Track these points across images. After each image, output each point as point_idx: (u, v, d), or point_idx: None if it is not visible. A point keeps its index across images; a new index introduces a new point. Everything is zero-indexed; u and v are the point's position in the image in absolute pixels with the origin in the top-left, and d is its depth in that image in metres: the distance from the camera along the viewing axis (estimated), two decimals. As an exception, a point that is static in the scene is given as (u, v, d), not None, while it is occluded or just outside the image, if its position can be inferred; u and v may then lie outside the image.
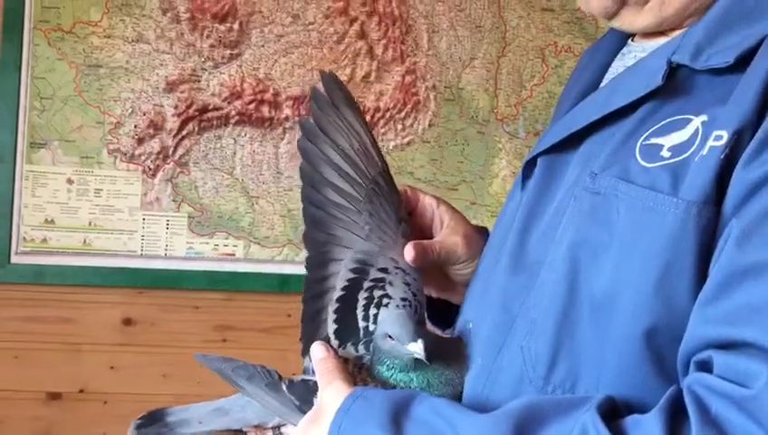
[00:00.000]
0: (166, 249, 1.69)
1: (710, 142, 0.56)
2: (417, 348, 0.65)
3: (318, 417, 0.65)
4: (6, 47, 1.64)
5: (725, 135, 0.55)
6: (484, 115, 1.76)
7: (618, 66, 0.73)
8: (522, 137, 1.76)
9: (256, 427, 0.73)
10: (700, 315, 0.54)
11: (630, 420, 0.54)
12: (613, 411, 0.55)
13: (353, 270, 0.73)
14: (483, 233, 0.80)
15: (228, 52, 1.70)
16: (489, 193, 1.75)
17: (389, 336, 0.67)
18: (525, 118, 1.76)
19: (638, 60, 0.68)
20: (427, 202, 0.81)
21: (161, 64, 1.68)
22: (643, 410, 0.55)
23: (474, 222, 1.85)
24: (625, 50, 0.73)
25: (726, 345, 0.52)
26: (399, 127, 1.73)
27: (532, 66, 1.76)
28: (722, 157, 0.55)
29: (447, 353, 0.68)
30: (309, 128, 0.76)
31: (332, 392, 0.66)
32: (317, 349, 0.71)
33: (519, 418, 0.56)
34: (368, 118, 1.73)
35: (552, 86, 1.77)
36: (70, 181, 1.67)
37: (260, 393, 0.70)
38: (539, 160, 0.70)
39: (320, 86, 0.77)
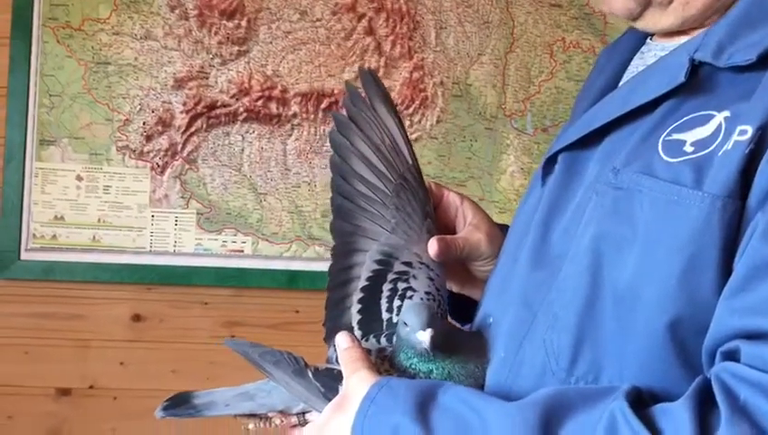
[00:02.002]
0: (174, 246, 1.70)
1: (734, 137, 0.57)
2: (423, 337, 0.66)
3: (343, 405, 0.66)
4: (15, 45, 1.65)
5: (750, 130, 0.56)
6: (492, 111, 1.75)
7: (637, 64, 0.73)
8: (530, 133, 1.76)
9: (281, 412, 0.74)
10: (726, 307, 0.55)
11: (659, 409, 0.54)
12: (640, 401, 0.56)
13: (378, 262, 0.74)
14: (505, 231, 0.81)
15: (236, 48, 1.70)
16: (497, 189, 1.75)
17: (405, 323, 0.68)
18: (533, 114, 1.76)
19: (658, 58, 0.68)
20: (452, 198, 0.83)
21: (169, 61, 1.68)
22: (667, 401, 0.56)
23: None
24: (644, 48, 0.74)
25: (753, 336, 0.53)
26: (407, 123, 1.73)
27: (540, 62, 1.76)
28: (746, 151, 0.56)
29: (468, 346, 0.69)
30: (341, 121, 0.78)
31: (358, 381, 0.66)
32: (342, 339, 0.71)
33: (546, 405, 0.57)
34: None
35: (561, 82, 1.76)
36: (79, 178, 1.67)
37: (286, 379, 0.71)
38: (559, 157, 0.71)
39: (358, 82, 0.79)
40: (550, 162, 0.72)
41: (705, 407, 0.53)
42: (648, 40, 0.74)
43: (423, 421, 0.60)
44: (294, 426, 0.74)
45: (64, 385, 1.70)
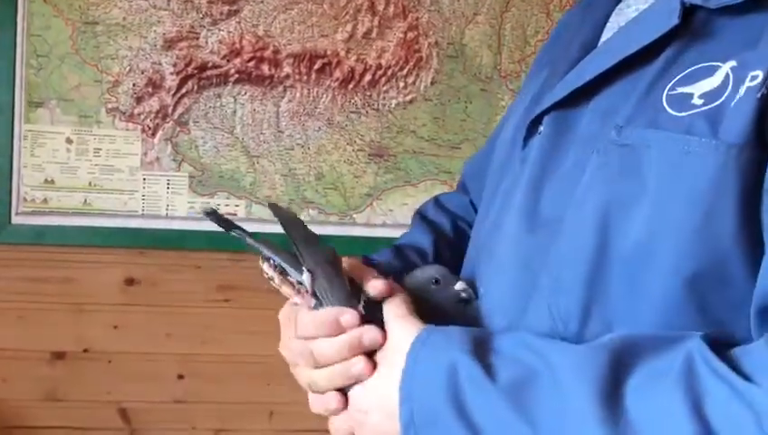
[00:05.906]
0: (167, 209, 1.69)
1: (746, 84, 0.55)
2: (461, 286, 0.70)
3: (386, 357, 0.64)
4: (1, 4, 1.61)
5: (761, 74, 0.54)
6: (488, 72, 1.73)
7: (617, 21, 0.71)
8: (525, 94, 1.74)
9: (283, 272, 0.73)
10: None
11: (738, 349, 0.53)
12: (717, 344, 0.54)
13: None
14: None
15: (227, 8, 1.66)
16: (492, 151, 1.74)
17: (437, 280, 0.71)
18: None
19: (646, 7, 0.66)
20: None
21: (159, 21, 1.65)
22: None
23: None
24: (623, 5, 0.72)
25: None
26: (401, 84, 1.71)
27: (537, 21, 1.73)
28: (758, 96, 0.54)
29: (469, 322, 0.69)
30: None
31: (400, 328, 0.64)
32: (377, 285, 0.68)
33: (617, 346, 0.55)
34: (369, 76, 1.71)
35: (557, 42, 1.74)
36: (69, 141, 1.65)
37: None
38: (545, 119, 0.69)
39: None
40: (533, 124, 0.70)
41: None
42: None
43: (482, 360, 0.57)
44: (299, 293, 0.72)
45: (59, 349, 1.69)
